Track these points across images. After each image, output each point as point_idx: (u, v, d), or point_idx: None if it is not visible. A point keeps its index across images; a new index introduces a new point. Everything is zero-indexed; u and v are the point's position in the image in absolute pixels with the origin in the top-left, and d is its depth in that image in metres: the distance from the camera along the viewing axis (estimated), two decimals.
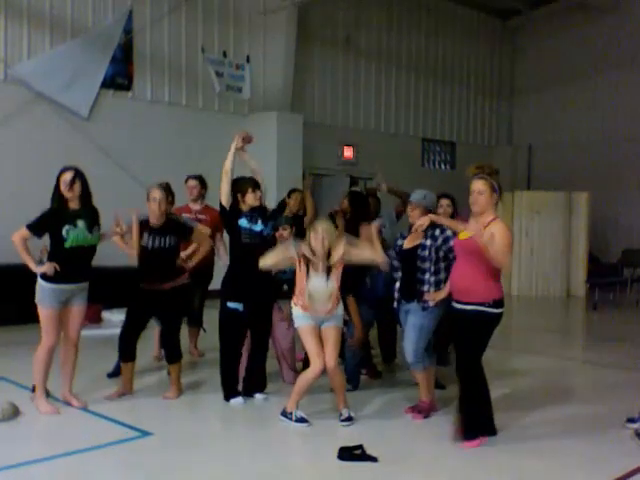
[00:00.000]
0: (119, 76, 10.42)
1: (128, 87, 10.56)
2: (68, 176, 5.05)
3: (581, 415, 5.35)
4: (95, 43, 10.05)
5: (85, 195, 5.09)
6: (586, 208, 13.09)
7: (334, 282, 4.89)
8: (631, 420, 4.94)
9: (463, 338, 4.56)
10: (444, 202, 5.99)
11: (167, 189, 6.36)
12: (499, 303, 4.50)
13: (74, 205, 5.06)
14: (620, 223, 14.74)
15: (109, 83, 10.29)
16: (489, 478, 4.16)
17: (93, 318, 8.64)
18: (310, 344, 4.94)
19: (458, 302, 4.59)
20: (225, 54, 11.78)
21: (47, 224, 5.03)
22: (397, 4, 14.55)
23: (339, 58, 13.59)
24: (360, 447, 4.34)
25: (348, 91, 13.79)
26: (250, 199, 5.37)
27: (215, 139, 11.37)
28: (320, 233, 4.86)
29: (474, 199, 4.54)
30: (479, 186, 4.52)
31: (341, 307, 5.03)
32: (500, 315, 4.53)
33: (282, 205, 6.91)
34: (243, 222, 5.31)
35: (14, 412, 4.95)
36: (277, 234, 5.71)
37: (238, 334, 5.34)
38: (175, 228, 5.54)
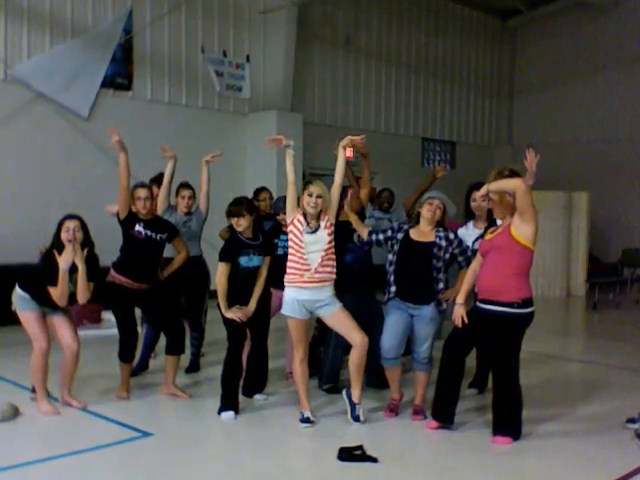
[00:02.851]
0: (119, 76, 10.41)
1: (128, 87, 10.55)
2: (71, 225, 5.01)
3: (581, 415, 5.36)
4: (95, 43, 10.04)
5: (84, 245, 5.05)
6: (586, 208, 13.08)
7: (324, 232, 4.85)
8: (631, 420, 4.94)
9: (497, 342, 4.58)
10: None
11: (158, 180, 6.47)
12: (528, 302, 4.51)
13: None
14: (620, 223, 14.73)
15: (109, 83, 10.28)
16: (489, 478, 4.16)
17: (93, 318, 8.65)
18: (294, 336, 4.98)
19: (485, 302, 4.58)
20: (225, 53, 11.77)
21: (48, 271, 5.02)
22: (397, 4, 14.55)
23: (339, 58, 13.58)
24: (360, 447, 4.34)
25: (348, 91, 13.78)
26: (240, 227, 5.19)
27: (215, 138, 11.40)
28: (314, 196, 4.85)
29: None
30: (490, 195, 4.66)
31: (331, 290, 4.91)
32: (531, 314, 4.55)
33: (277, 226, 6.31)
34: (243, 260, 5.15)
35: (14, 412, 4.95)
36: (279, 218, 5.83)
37: (239, 340, 5.24)
38: (164, 225, 5.62)
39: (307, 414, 4.92)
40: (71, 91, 9.78)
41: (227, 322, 5.14)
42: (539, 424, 5.00)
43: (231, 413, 5.05)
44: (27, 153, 9.47)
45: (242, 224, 5.14)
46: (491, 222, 5.30)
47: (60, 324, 5.15)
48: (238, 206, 5.17)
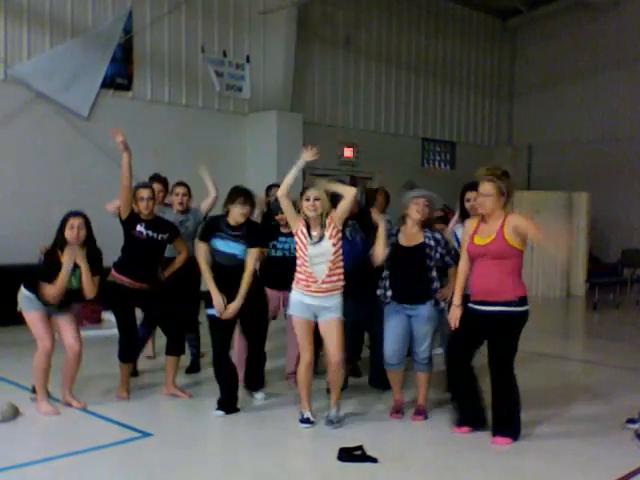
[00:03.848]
0: (119, 76, 10.41)
1: (128, 87, 10.55)
2: (75, 223, 5.00)
3: (581, 415, 5.36)
4: (95, 43, 10.04)
5: (86, 241, 5.06)
6: (586, 208, 13.08)
7: (329, 243, 4.77)
8: (631, 421, 4.94)
9: (495, 342, 4.56)
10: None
11: (164, 182, 6.45)
12: (524, 300, 4.53)
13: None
14: (620, 223, 14.73)
15: (109, 83, 10.27)
16: (489, 478, 4.17)
17: (93, 318, 8.65)
18: (301, 337, 4.96)
19: (481, 303, 4.56)
20: (225, 54, 11.77)
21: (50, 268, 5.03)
22: (397, 4, 14.54)
23: (339, 58, 13.58)
24: (360, 448, 4.34)
25: (348, 91, 13.78)
26: (235, 213, 5.12)
27: (215, 138, 11.42)
28: (312, 199, 4.80)
29: (481, 202, 4.60)
30: (487, 189, 4.56)
31: (339, 297, 4.86)
32: (527, 313, 4.56)
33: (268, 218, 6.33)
34: (219, 243, 5.09)
35: (14, 413, 4.95)
36: (277, 217, 5.79)
37: (222, 340, 5.19)
38: (165, 225, 5.60)
39: (307, 414, 4.92)
40: (71, 91, 9.78)
41: (211, 325, 5.13)
42: (539, 424, 5.00)
43: (220, 412, 5.08)
44: (27, 153, 9.47)
45: (235, 211, 5.06)
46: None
47: (64, 324, 5.16)
48: (236, 194, 5.11)
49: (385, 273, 5.09)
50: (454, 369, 4.76)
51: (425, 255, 4.99)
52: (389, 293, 5.05)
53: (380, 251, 4.98)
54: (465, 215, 5.65)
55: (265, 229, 5.85)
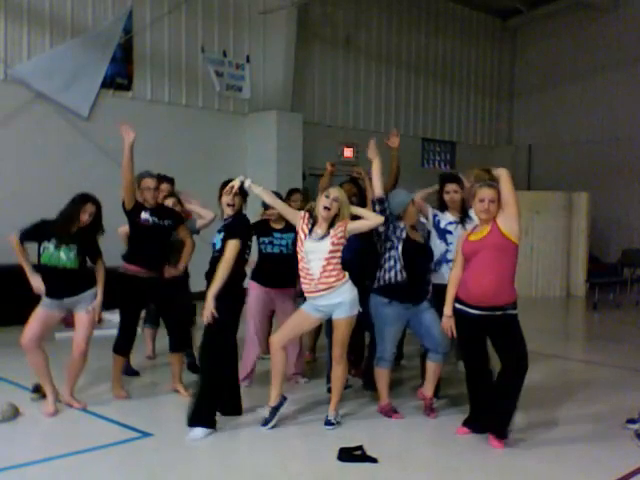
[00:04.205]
0: (119, 76, 10.41)
1: (128, 87, 10.55)
2: (92, 211, 5.07)
3: (581, 416, 5.36)
4: (95, 43, 10.05)
5: (92, 225, 5.09)
6: (586, 208, 13.07)
7: (329, 241, 4.70)
8: (631, 421, 4.94)
9: (502, 340, 4.52)
10: (451, 187, 5.53)
11: (171, 182, 6.47)
12: (516, 303, 4.55)
13: (73, 229, 5.07)
14: (620, 223, 14.74)
15: (109, 83, 10.28)
16: (490, 478, 4.16)
17: None
18: (289, 321, 4.97)
19: (477, 307, 4.49)
20: (225, 54, 11.78)
21: (35, 235, 5.12)
22: (397, 4, 14.55)
23: (339, 58, 13.59)
24: (360, 448, 4.34)
25: (348, 91, 13.79)
26: (223, 205, 4.91)
27: (215, 138, 11.43)
28: (331, 197, 4.74)
29: (485, 207, 4.46)
30: (492, 194, 4.47)
31: (347, 289, 4.78)
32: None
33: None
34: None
35: (14, 413, 4.96)
36: (268, 212, 5.73)
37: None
38: (169, 212, 5.64)
39: (266, 414, 4.88)
40: (71, 91, 9.79)
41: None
42: (539, 424, 5.01)
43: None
44: (27, 153, 9.47)
45: (222, 204, 4.90)
46: (464, 213, 5.28)
47: (80, 322, 5.17)
48: (223, 185, 4.93)
49: (391, 272, 4.99)
50: (472, 375, 4.71)
51: (429, 253, 5.14)
52: (389, 286, 4.98)
53: (377, 184, 5.03)
54: (444, 206, 5.54)
55: (255, 225, 5.74)
